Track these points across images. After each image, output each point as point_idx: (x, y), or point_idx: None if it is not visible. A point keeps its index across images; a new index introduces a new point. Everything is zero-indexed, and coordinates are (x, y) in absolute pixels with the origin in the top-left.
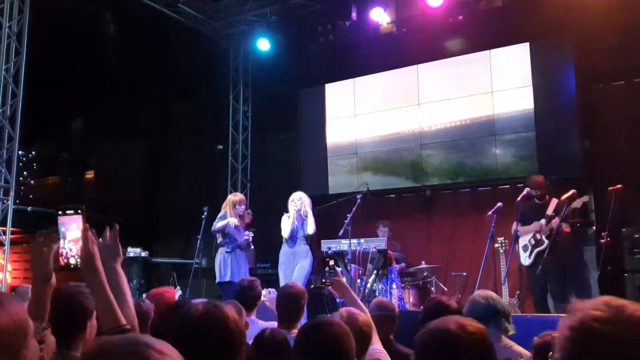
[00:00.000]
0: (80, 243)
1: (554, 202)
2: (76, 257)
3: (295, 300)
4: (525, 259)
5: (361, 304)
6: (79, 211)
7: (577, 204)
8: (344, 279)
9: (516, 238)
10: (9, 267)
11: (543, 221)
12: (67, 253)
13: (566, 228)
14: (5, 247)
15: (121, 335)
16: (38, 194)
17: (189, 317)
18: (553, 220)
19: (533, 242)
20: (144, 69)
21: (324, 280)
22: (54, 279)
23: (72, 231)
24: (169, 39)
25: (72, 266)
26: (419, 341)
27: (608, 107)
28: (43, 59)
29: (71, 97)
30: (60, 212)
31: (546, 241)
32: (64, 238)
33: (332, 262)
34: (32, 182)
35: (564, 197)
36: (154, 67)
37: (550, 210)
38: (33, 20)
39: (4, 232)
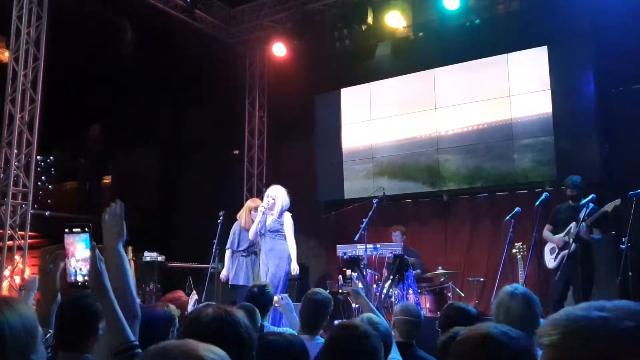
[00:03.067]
0: (89, 262)
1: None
2: (84, 275)
3: (322, 307)
4: (550, 262)
5: (379, 314)
6: (86, 229)
7: (608, 207)
8: (360, 285)
9: (534, 243)
10: (27, 271)
11: (573, 224)
12: (75, 271)
13: (595, 233)
14: (24, 252)
15: (175, 340)
16: (56, 199)
17: (199, 322)
18: (574, 226)
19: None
20: (160, 74)
21: (341, 290)
22: (59, 297)
23: (80, 250)
24: (185, 45)
25: (80, 284)
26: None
27: (628, 111)
28: (61, 65)
29: (89, 103)
30: (67, 230)
31: (573, 245)
32: (73, 256)
33: (348, 272)
34: (50, 187)
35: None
36: (170, 73)
37: (582, 214)
38: (51, 26)
39: (23, 237)
